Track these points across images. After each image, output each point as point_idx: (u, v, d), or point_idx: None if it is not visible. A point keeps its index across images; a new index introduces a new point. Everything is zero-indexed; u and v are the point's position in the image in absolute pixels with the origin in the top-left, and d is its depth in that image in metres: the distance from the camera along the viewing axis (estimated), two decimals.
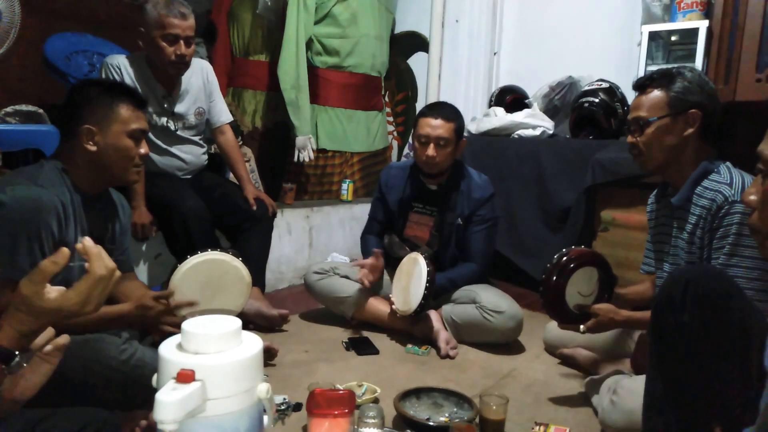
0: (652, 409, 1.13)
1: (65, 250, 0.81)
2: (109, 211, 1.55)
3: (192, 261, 1.62)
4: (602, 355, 1.84)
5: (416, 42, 3.72)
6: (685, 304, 1.04)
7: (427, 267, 2.00)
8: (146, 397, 1.02)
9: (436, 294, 2.04)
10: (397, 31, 3.78)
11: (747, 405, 0.85)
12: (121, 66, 2.12)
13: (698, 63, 2.33)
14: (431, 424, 1.44)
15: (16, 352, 0.80)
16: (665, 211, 1.55)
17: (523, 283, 2.70)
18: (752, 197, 0.85)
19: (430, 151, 2.11)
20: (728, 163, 1.41)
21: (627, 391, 1.38)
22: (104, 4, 3.03)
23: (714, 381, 1.04)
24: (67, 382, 1.26)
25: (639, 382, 1.24)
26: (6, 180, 1.36)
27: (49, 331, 0.89)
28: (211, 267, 1.64)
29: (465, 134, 2.99)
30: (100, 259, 0.83)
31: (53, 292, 0.80)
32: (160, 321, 1.50)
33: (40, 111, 2.14)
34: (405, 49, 3.79)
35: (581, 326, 1.56)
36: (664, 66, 2.39)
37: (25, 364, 0.84)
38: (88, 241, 0.84)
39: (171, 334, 0.91)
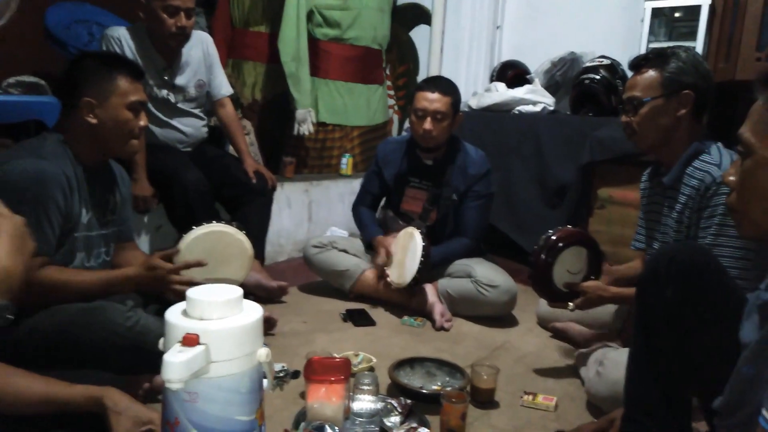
0: (634, 380, 1.18)
1: None
2: (110, 183, 1.58)
3: (197, 232, 1.64)
4: (593, 330, 1.89)
5: (418, 14, 3.68)
6: (669, 279, 1.08)
7: (423, 242, 2.04)
8: (150, 362, 1.06)
9: (429, 268, 2.08)
10: (399, 2, 3.74)
11: (722, 376, 0.90)
12: (121, 38, 2.13)
13: (700, 41, 2.33)
14: (424, 392, 1.50)
15: None
16: (657, 190, 1.57)
17: (519, 258, 2.73)
18: (731, 177, 0.88)
19: (427, 124, 2.13)
20: (719, 144, 1.43)
21: (612, 362, 1.43)
22: None
23: (693, 353, 1.08)
24: (74, 347, 1.31)
25: (624, 355, 1.29)
26: (10, 154, 1.38)
27: None
28: (215, 239, 1.67)
29: (465, 109, 3.02)
30: None
31: None
32: (171, 281, 1.50)
33: (42, 82, 2.14)
34: (407, 21, 3.75)
35: (570, 304, 1.60)
36: (667, 43, 2.40)
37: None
38: None
39: (182, 293, 0.93)
